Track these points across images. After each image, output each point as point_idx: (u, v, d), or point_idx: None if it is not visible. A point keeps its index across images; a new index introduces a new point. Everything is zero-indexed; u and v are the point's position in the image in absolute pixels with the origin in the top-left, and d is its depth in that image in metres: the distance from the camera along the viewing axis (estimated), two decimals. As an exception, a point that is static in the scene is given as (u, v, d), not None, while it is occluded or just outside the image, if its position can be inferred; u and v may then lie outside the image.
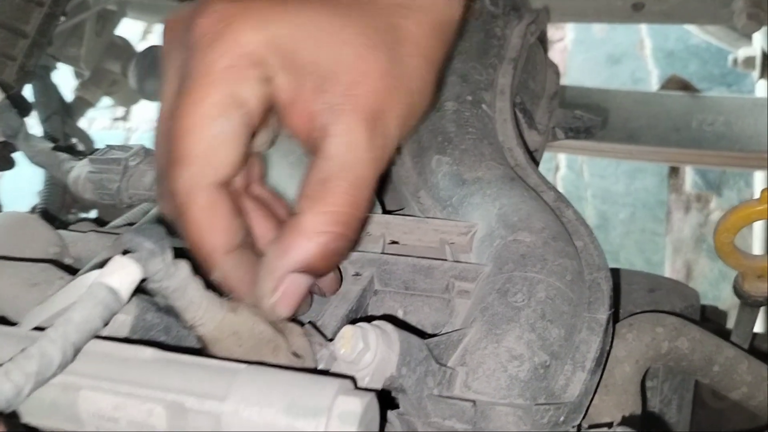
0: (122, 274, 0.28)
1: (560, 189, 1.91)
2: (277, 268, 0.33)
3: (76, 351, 0.27)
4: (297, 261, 0.32)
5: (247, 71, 0.33)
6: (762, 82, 1.38)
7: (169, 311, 0.31)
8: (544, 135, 0.60)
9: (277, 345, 0.32)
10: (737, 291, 0.43)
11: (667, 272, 1.68)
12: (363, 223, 0.34)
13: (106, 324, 0.28)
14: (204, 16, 0.34)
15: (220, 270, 0.33)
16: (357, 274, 0.39)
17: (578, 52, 1.95)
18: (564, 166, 1.84)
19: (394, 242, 0.43)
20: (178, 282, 0.29)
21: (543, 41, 0.66)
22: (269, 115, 0.36)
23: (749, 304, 0.44)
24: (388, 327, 0.30)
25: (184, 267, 0.29)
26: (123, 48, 1.10)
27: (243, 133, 0.34)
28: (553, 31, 1.99)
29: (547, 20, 0.64)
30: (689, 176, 1.74)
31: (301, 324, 0.35)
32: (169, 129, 0.34)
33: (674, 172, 1.75)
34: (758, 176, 1.60)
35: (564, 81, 1.94)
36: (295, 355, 0.32)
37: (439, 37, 0.38)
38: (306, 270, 0.33)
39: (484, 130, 0.49)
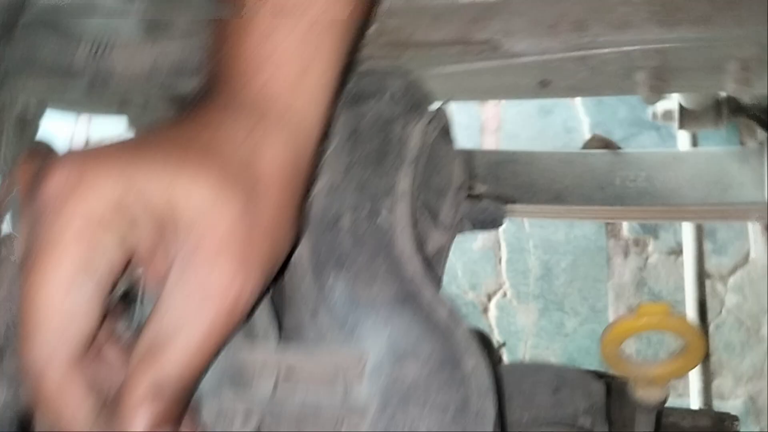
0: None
1: (501, 241, 1.91)
2: None
3: None
4: None
5: (99, 235, 0.33)
6: (681, 134, 1.43)
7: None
8: (451, 230, 0.61)
9: None
10: (631, 398, 0.44)
11: (610, 318, 1.70)
12: (196, 385, 0.34)
13: None
14: (53, 175, 0.33)
15: None
16: (246, 418, 0.39)
17: (511, 105, 1.99)
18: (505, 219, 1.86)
19: (289, 373, 0.43)
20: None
21: (448, 131, 0.67)
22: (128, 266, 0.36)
23: (644, 409, 0.44)
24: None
25: None
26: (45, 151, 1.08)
27: (98, 298, 0.33)
28: (484, 86, 2.03)
29: (448, 115, 0.65)
30: (625, 222, 1.78)
31: None
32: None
33: (610, 218, 1.79)
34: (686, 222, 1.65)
35: (499, 135, 1.98)
36: None
37: (298, 163, 0.40)
38: None
39: (381, 242, 0.50)
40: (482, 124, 1.99)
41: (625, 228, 1.78)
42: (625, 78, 0.80)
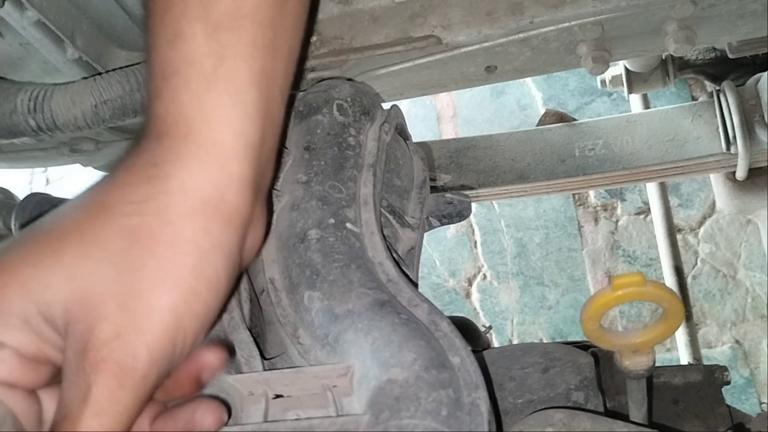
0: None
1: (474, 225, 1.92)
2: None
3: None
4: None
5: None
6: (633, 97, 1.45)
7: None
8: (419, 229, 0.61)
9: None
10: (619, 368, 0.45)
11: (590, 285, 1.72)
12: None
13: None
14: None
15: None
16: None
17: (464, 91, 2.00)
18: (473, 203, 1.88)
19: (278, 396, 0.42)
20: None
21: (402, 131, 0.67)
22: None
23: (633, 377, 0.45)
24: None
25: None
26: (2, 202, 1.06)
27: None
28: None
29: (400, 114, 0.65)
30: (591, 190, 1.80)
31: None
32: None
33: (576, 188, 1.81)
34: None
35: (457, 121, 1.99)
36: None
37: (205, 222, 0.37)
38: None
39: (351, 252, 0.49)
40: (438, 113, 2.00)
41: (592, 195, 1.80)
42: (568, 53, 0.80)
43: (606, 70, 0.82)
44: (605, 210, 1.79)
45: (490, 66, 0.81)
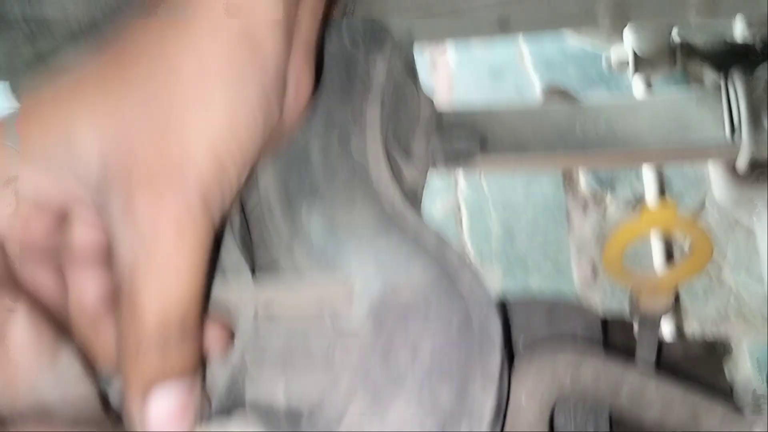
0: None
1: (462, 204, 1.90)
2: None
3: None
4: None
5: None
6: (637, 80, 1.42)
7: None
8: (424, 167, 0.58)
9: None
10: (633, 309, 0.42)
11: (574, 272, 1.70)
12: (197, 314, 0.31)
13: None
14: None
15: None
16: (226, 357, 0.35)
17: (462, 71, 1.97)
18: (463, 181, 1.85)
19: (268, 308, 0.39)
20: None
21: (411, 67, 0.64)
22: None
23: (647, 321, 0.42)
24: (250, 427, 0.26)
25: None
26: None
27: None
28: (435, 54, 2.01)
29: (411, 46, 0.62)
30: (583, 177, 1.78)
31: None
32: None
33: (568, 175, 1.79)
34: (647, 170, 1.65)
35: (450, 97, 1.96)
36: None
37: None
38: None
39: (355, 173, 0.46)
40: (433, 88, 1.97)
41: (582, 184, 1.78)
42: (585, 10, 0.77)
43: (623, 28, 0.79)
44: (594, 199, 1.77)
45: (503, 16, 0.78)
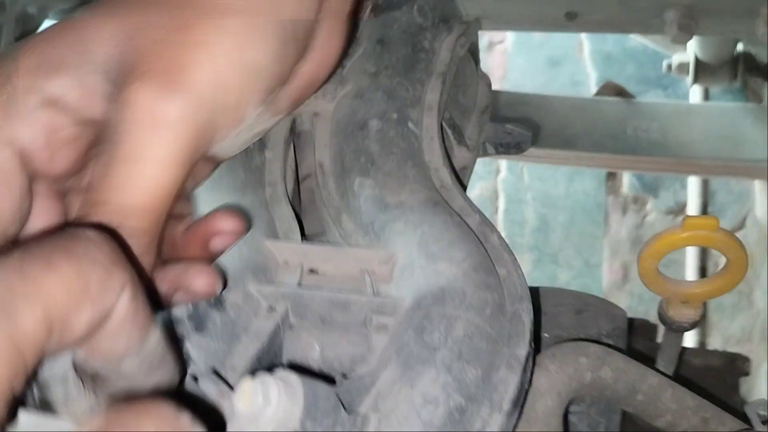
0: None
1: (501, 192, 1.89)
2: None
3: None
4: None
5: None
6: (695, 88, 1.41)
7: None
8: (474, 151, 0.59)
9: None
10: (662, 317, 0.43)
11: (605, 274, 1.70)
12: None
13: None
14: None
15: None
16: (271, 309, 0.37)
17: (518, 55, 1.95)
18: (504, 169, 1.85)
19: (312, 271, 0.41)
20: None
21: (474, 53, 0.65)
22: None
23: (674, 330, 0.43)
24: (293, 378, 0.28)
25: None
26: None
27: None
28: (493, 35, 1.99)
29: (477, 32, 0.63)
30: (626, 179, 1.76)
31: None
32: None
33: (612, 175, 1.77)
34: (692, 179, 1.64)
35: (504, 84, 1.95)
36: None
37: None
38: None
39: (410, 150, 0.48)
40: (488, 71, 1.96)
41: (625, 185, 1.77)
42: (655, 15, 0.77)
43: (689, 40, 0.79)
44: (635, 203, 1.76)
45: (571, 12, 0.78)
